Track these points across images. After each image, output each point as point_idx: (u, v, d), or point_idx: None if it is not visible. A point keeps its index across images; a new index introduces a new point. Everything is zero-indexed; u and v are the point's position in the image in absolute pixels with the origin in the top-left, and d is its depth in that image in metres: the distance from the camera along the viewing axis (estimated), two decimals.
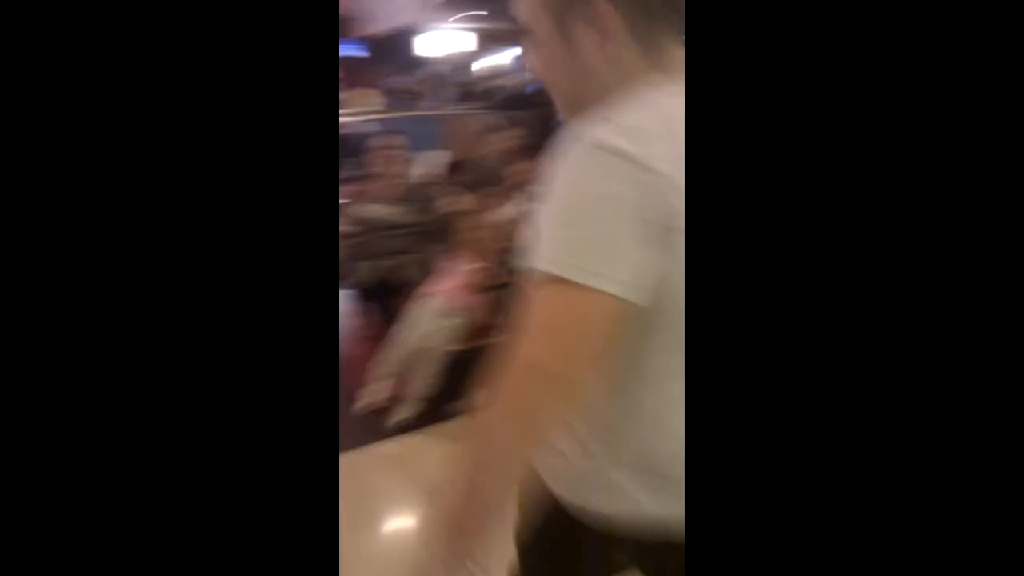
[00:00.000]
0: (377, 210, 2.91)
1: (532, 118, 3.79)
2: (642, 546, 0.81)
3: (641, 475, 0.77)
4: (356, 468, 2.39)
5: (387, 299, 2.82)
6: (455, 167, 3.93)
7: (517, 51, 7.41)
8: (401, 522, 2.23)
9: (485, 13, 6.58)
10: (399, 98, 6.45)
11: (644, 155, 0.60)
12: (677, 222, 0.61)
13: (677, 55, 0.71)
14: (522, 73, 6.70)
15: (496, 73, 7.64)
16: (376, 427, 2.62)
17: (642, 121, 0.63)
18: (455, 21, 6.97)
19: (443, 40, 7.42)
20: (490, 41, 7.66)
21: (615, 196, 0.60)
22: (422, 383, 2.62)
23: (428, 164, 3.96)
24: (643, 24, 0.69)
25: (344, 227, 2.30)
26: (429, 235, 2.92)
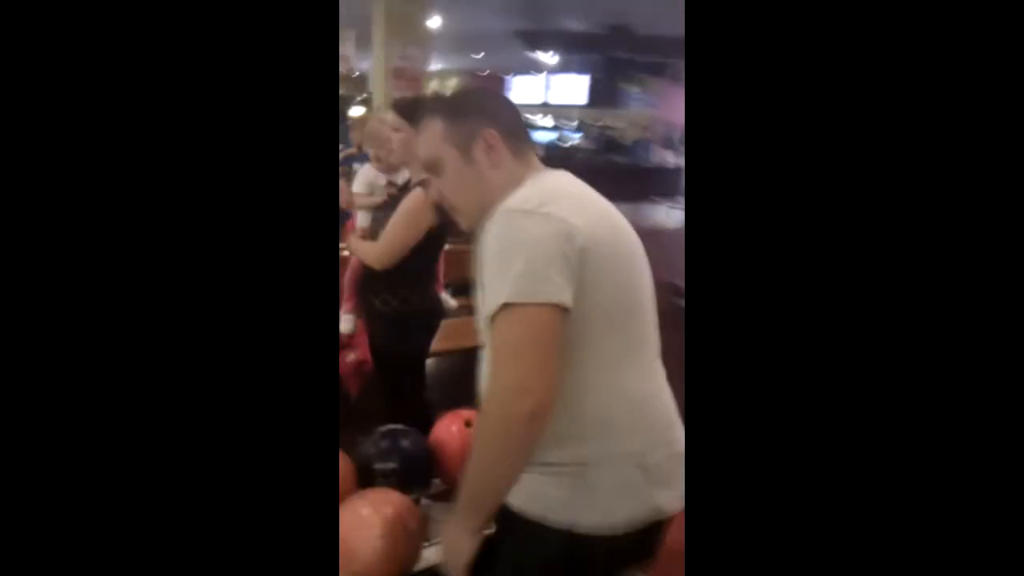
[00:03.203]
0: None
1: None
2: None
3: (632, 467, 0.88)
4: None
5: None
6: None
7: None
8: None
9: None
10: None
11: (546, 210, 0.82)
12: (588, 249, 0.82)
13: (535, 158, 0.99)
14: None
15: None
16: None
17: (537, 191, 0.88)
18: None
19: None
20: None
21: (532, 239, 0.79)
22: None
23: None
24: (512, 139, 0.96)
25: None
26: None
